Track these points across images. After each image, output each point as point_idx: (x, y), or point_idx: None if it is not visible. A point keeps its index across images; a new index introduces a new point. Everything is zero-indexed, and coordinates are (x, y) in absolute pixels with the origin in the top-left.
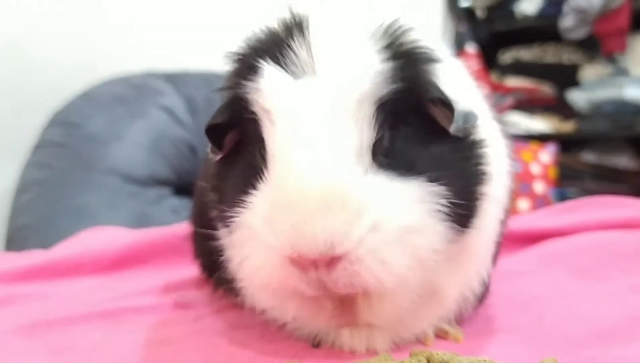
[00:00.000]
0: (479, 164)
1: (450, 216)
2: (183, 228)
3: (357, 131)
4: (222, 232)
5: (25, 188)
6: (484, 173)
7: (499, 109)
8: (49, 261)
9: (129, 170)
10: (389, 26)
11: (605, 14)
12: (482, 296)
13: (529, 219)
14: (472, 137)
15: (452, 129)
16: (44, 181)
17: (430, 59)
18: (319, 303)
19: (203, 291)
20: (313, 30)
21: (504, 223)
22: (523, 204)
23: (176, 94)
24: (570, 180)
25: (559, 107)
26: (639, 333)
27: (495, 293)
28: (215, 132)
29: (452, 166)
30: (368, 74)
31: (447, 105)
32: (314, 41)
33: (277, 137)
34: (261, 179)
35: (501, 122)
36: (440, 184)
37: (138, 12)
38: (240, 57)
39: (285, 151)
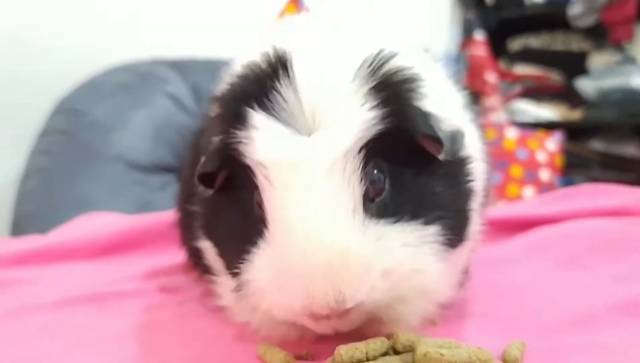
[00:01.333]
0: (467, 182)
1: (446, 244)
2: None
3: (353, 183)
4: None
5: (30, 176)
6: (472, 191)
7: (507, 97)
8: (42, 246)
9: (133, 157)
10: (373, 62)
11: (613, 2)
12: (462, 283)
13: (520, 206)
14: (459, 155)
15: (442, 156)
16: (49, 168)
17: (414, 88)
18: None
19: (189, 276)
20: (297, 69)
21: (481, 214)
22: (528, 192)
23: (182, 81)
24: (578, 168)
25: (567, 95)
26: (613, 320)
27: (477, 279)
28: (206, 177)
29: (445, 197)
30: (358, 126)
31: (436, 140)
32: (300, 83)
33: (273, 196)
34: (260, 234)
35: (477, 122)
36: (437, 222)
37: (144, 0)
38: (227, 103)
39: (283, 212)
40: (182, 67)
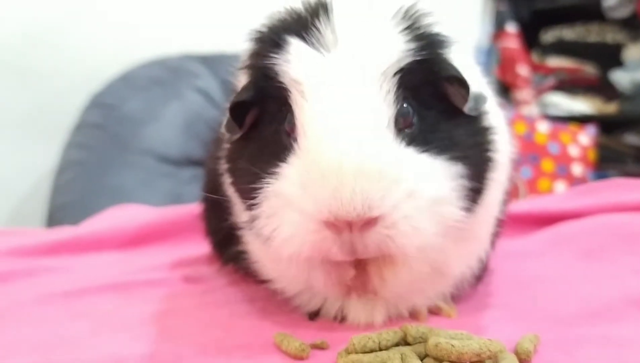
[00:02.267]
0: (489, 150)
1: (465, 194)
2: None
3: (384, 103)
4: (238, 209)
5: (65, 168)
6: (493, 160)
7: (540, 90)
8: (74, 237)
9: (164, 151)
10: (408, 10)
11: None
12: (480, 276)
13: (546, 201)
14: (483, 123)
15: (466, 108)
16: (83, 161)
17: (446, 43)
18: (339, 274)
19: (213, 267)
20: (337, 12)
21: (503, 206)
22: (560, 186)
23: (211, 76)
24: (612, 163)
25: (601, 88)
26: (629, 313)
27: (498, 272)
28: (238, 111)
29: (468, 149)
30: (391, 50)
31: (462, 83)
32: (337, 22)
33: (308, 107)
34: (290, 151)
35: (502, 109)
36: (459, 163)
37: None
38: (264, 34)
39: (318, 120)
40: (212, 62)
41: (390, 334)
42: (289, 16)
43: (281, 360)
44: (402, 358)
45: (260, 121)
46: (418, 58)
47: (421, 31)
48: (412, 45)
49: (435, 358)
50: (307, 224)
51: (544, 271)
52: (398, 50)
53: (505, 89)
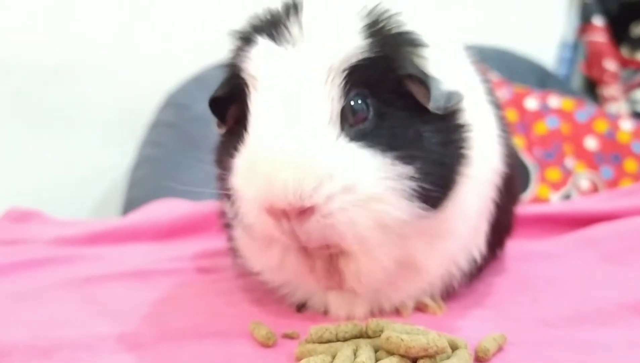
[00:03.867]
0: (460, 147)
1: (418, 194)
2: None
3: (330, 97)
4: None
5: (140, 164)
6: (463, 156)
7: (629, 86)
8: (114, 228)
9: None
10: (373, 9)
11: None
12: (472, 274)
13: (585, 202)
14: (457, 121)
15: (432, 106)
16: (156, 158)
17: (412, 41)
18: (310, 264)
19: (228, 260)
20: (307, 11)
21: (501, 204)
22: None
23: None
24: None
25: None
26: (618, 318)
27: (509, 272)
28: (217, 106)
29: (428, 147)
30: (343, 46)
31: (422, 82)
32: (305, 20)
33: (256, 99)
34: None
35: (499, 107)
36: (410, 163)
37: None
38: (239, 33)
39: (261, 112)
40: None
41: (349, 326)
42: (264, 16)
43: (250, 347)
44: (355, 350)
45: (242, 117)
46: (374, 55)
47: (381, 28)
48: (369, 41)
49: (387, 351)
50: (251, 209)
51: (557, 273)
52: (351, 46)
53: (591, 85)
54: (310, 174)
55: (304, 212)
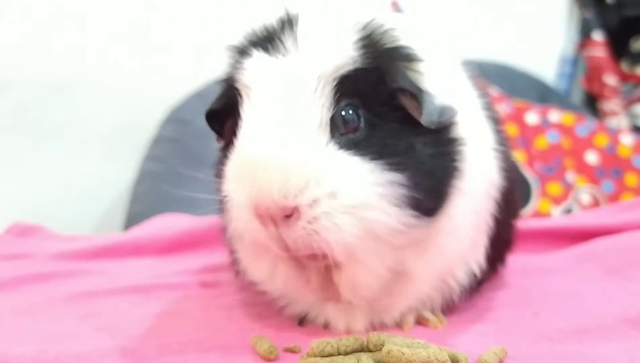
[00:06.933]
0: (452, 160)
1: (410, 203)
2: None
3: (319, 106)
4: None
5: (142, 179)
6: (455, 169)
7: (630, 101)
8: (116, 243)
9: None
10: (368, 23)
11: None
12: (472, 288)
13: (586, 216)
14: (450, 134)
15: (424, 120)
16: (158, 173)
17: (405, 56)
18: (305, 276)
19: (231, 274)
20: (302, 25)
21: (501, 218)
22: None
23: None
24: None
25: None
26: (619, 332)
27: (510, 286)
28: (215, 119)
29: (420, 158)
30: (333, 56)
31: (413, 96)
32: (300, 33)
33: (247, 106)
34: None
35: (498, 122)
36: (400, 171)
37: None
38: (237, 48)
39: (251, 119)
40: None
41: (350, 340)
42: (260, 30)
43: (252, 361)
44: None
45: (238, 129)
46: (366, 67)
47: (375, 42)
48: (361, 53)
49: None
50: (243, 213)
51: (558, 288)
52: (343, 56)
53: (592, 100)
54: (297, 175)
55: (290, 217)
